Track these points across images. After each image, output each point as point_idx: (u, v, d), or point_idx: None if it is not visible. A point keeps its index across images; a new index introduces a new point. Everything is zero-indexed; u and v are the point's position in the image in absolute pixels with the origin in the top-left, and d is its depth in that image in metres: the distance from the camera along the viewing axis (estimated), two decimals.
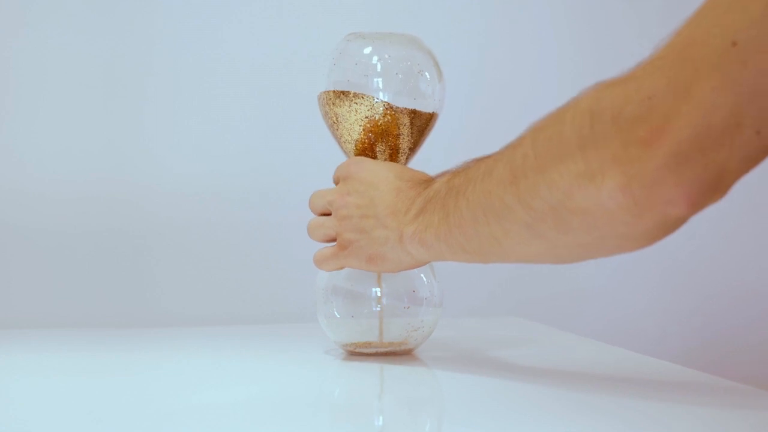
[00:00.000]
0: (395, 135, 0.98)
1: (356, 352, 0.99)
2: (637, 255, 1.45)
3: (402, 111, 0.97)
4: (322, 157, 1.34)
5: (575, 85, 1.45)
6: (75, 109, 1.37)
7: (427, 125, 1.00)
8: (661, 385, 0.86)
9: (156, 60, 1.39)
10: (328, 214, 0.95)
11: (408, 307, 0.97)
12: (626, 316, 1.52)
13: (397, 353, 0.99)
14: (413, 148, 1.00)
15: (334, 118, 0.99)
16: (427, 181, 0.89)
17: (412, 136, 0.99)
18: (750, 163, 0.65)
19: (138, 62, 1.38)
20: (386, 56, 0.97)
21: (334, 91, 0.97)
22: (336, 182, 0.96)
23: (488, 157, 0.79)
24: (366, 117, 0.97)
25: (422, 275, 0.99)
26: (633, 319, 1.52)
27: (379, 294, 0.97)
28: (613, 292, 1.52)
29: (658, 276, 1.53)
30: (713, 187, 0.65)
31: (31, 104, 1.36)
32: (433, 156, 1.12)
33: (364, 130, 0.97)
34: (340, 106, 0.97)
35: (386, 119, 0.97)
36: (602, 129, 0.67)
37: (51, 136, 1.36)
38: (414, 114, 0.98)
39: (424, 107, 0.99)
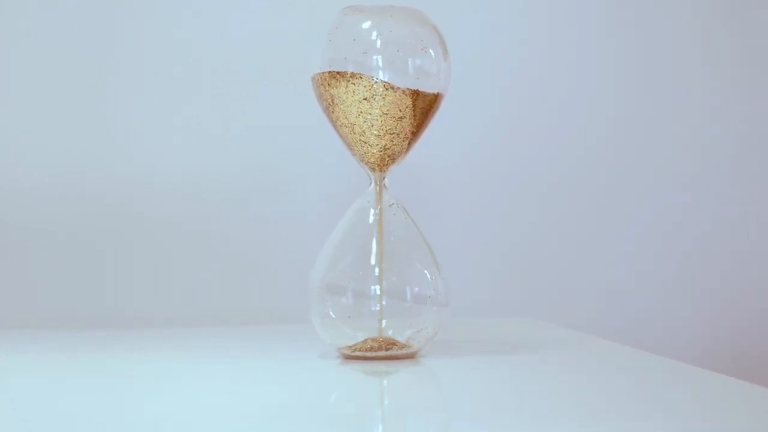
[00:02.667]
0: (396, 118, 0.95)
1: (353, 356, 0.96)
2: (655, 255, 1.51)
3: (404, 92, 0.94)
4: (317, 149, 1.39)
5: (591, 62, 1.51)
6: (63, 105, 1.37)
7: (432, 107, 0.97)
8: (679, 387, 0.86)
9: (140, 53, 1.39)
10: None
11: (411, 307, 0.95)
12: (645, 316, 1.50)
13: (399, 357, 0.96)
14: (416, 133, 0.97)
15: (330, 100, 0.96)
16: None
17: (414, 119, 0.96)
18: None
19: (118, 57, 1.38)
20: (387, 32, 0.94)
21: (329, 72, 0.94)
22: None
23: None
24: (364, 98, 0.94)
25: (426, 271, 0.97)
26: (652, 320, 1.50)
27: (378, 292, 0.95)
28: (633, 293, 1.50)
29: (677, 276, 1.52)
30: None
31: (30, 101, 1.38)
32: (438, 141, 1.11)
33: (361, 112, 0.95)
34: (336, 87, 0.95)
35: (386, 101, 0.94)
36: None
37: (41, 133, 1.37)
38: (417, 95, 0.95)
39: (428, 87, 0.96)
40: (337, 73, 0.94)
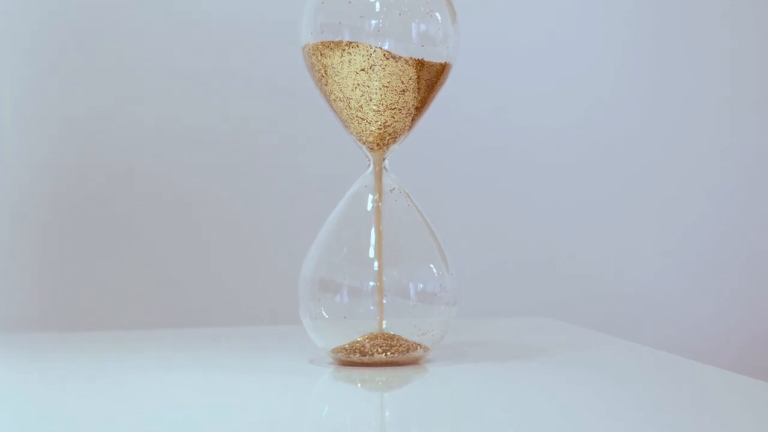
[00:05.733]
0: (398, 91, 0.91)
1: (349, 361, 0.93)
2: (669, 255, 1.53)
3: (407, 61, 0.91)
4: (308, 127, 1.39)
5: (608, 32, 1.53)
6: (55, 99, 1.40)
7: (438, 79, 0.93)
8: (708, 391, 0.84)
9: (124, 36, 1.41)
10: None
11: (415, 306, 0.93)
12: (657, 315, 1.52)
13: (401, 362, 0.93)
14: (420, 107, 0.94)
15: (323, 72, 0.92)
16: None
17: (419, 93, 0.92)
18: None
19: (104, 35, 1.40)
20: None
21: (322, 42, 0.92)
22: None
23: None
24: (361, 69, 0.90)
25: (431, 266, 0.94)
26: (665, 319, 1.52)
27: (378, 289, 0.92)
28: (645, 292, 1.51)
29: (690, 275, 1.54)
30: None
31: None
32: (446, 116, 1.12)
33: (359, 85, 0.91)
34: (330, 57, 0.91)
35: (387, 72, 0.90)
36: None
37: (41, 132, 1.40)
38: (421, 65, 0.92)
39: (434, 56, 0.92)
40: (331, 41, 0.90)
